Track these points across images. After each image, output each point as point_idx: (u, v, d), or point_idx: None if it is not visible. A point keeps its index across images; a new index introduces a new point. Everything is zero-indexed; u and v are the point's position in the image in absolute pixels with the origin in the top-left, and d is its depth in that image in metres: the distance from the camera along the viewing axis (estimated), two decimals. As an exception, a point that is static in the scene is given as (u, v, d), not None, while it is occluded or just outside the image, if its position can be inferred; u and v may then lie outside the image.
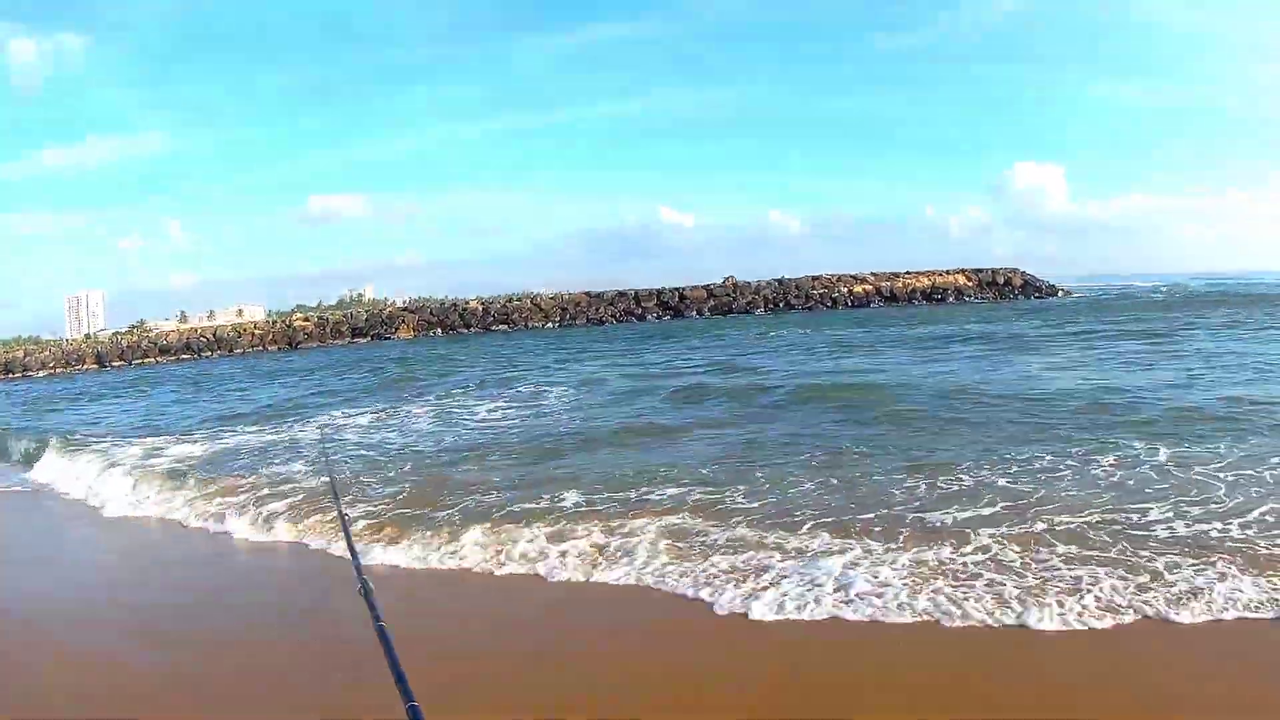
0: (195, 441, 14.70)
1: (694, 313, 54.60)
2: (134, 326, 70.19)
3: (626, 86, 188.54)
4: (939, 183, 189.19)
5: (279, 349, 60.54)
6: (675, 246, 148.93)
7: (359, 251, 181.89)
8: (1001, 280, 48.46)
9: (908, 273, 51.25)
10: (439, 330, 59.70)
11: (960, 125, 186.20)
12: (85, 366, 61.94)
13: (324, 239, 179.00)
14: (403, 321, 60.70)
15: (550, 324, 57.35)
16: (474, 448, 11.86)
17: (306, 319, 63.25)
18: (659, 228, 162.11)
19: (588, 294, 58.55)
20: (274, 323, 63.75)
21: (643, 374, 20.65)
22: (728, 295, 54.91)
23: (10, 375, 61.83)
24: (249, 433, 15.45)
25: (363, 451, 12.38)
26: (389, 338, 59.65)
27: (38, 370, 61.96)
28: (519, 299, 59.41)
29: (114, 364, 61.99)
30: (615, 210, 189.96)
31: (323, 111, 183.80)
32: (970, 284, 48.79)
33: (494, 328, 58.43)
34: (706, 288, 55.85)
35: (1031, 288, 47.62)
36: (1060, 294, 46.35)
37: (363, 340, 60.34)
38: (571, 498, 8.48)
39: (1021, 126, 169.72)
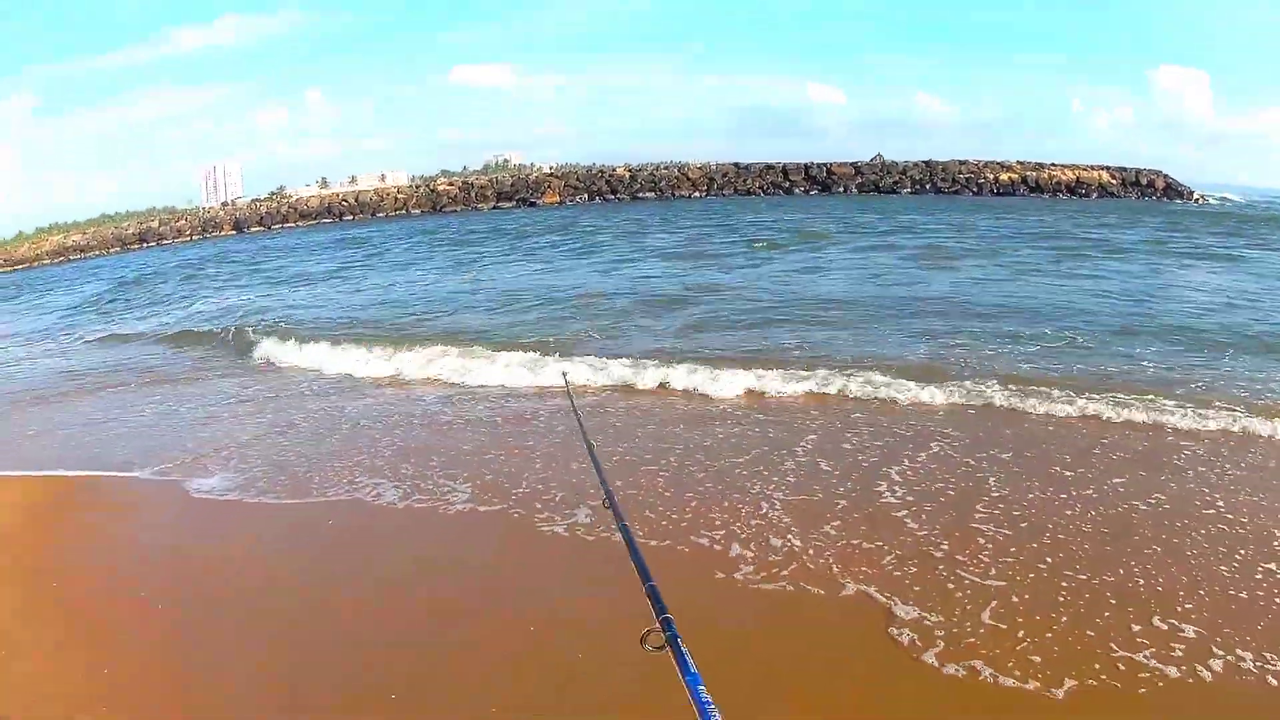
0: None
1: (841, 189, 58.47)
2: (273, 193, 68.12)
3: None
4: (1085, 80, 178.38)
5: (422, 213, 61.65)
6: (822, 126, 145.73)
7: (503, 122, 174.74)
8: (1144, 181, 53.93)
9: (1053, 164, 56.00)
10: (585, 196, 61.67)
11: (1111, 23, 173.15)
12: (224, 232, 61.48)
13: (467, 109, 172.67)
14: (549, 186, 61.99)
15: (697, 193, 60.29)
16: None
17: (451, 183, 63.29)
18: (807, 105, 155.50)
19: (736, 165, 61.00)
20: (417, 187, 63.79)
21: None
22: (875, 174, 58.66)
23: (145, 244, 61.05)
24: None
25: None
26: (535, 203, 61.27)
27: (173, 238, 61.21)
28: (667, 168, 61.40)
29: (251, 229, 61.81)
30: (762, 86, 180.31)
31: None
32: (1114, 181, 54.17)
33: (641, 195, 60.91)
34: (854, 164, 59.23)
35: (1174, 191, 53.40)
36: (1197, 200, 52.34)
37: (508, 204, 61.83)
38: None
39: (1169, 30, 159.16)
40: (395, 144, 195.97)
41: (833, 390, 8.93)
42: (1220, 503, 5.96)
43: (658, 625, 1.80)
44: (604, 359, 10.62)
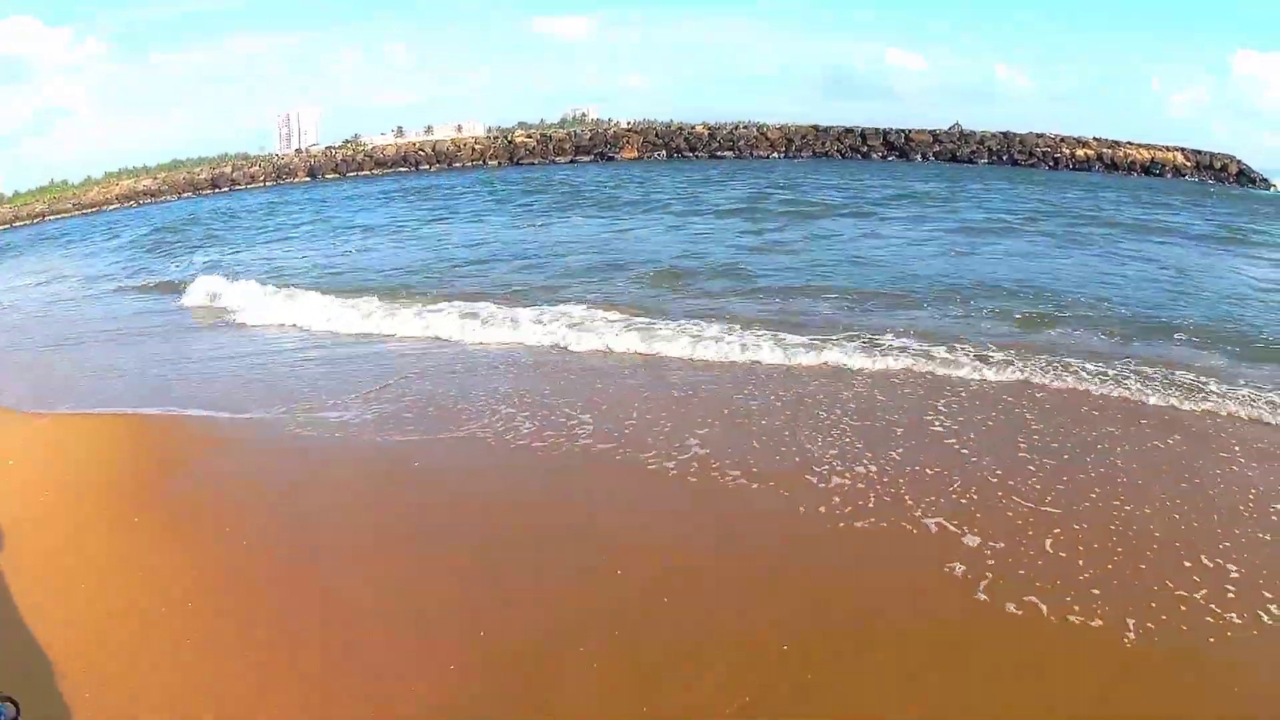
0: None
1: (919, 156, 59.37)
2: (348, 141, 67.61)
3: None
4: (1163, 61, 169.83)
5: (499, 165, 61.98)
6: (901, 91, 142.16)
7: (582, 74, 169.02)
8: (1218, 165, 55.03)
9: (1129, 143, 56.95)
10: (663, 153, 62.20)
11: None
12: (298, 179, 61.54)
13: (546, 60, 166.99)
14: (627, 142, 62.44)
15: (775, 154, 60.98)
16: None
17: (529, 135, 63.57)
18: (886, 69, 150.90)
19: (815, 127, 61.44)
20: (494, 138, 63.81)
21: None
22: (953, 143, 59.42)
23: (218, 189, 61.11)
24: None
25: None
26: (613, 158, 61.82)
27: (246, 184, 61.26)
28: (746, 126, 61.80)
29: (327, 177, 61.92)
30: (842, 48, 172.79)
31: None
32: (1188, 164, 55.23)
33: (719, 154, 61.54)
34: (933, 132, 59.87)
35: (1246, 177, 54.56)
36: (1273, 188, 53.64)
37: (585, 158, 62.33)
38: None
39: (1248, 13, 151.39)
40: (472, 94, 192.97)
41: (862, 355, 9.64)
42: (1236, 447, 6.90)
43: None
44: (657, 321, 11.31)
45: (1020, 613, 4.56)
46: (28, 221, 55.65)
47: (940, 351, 9.78)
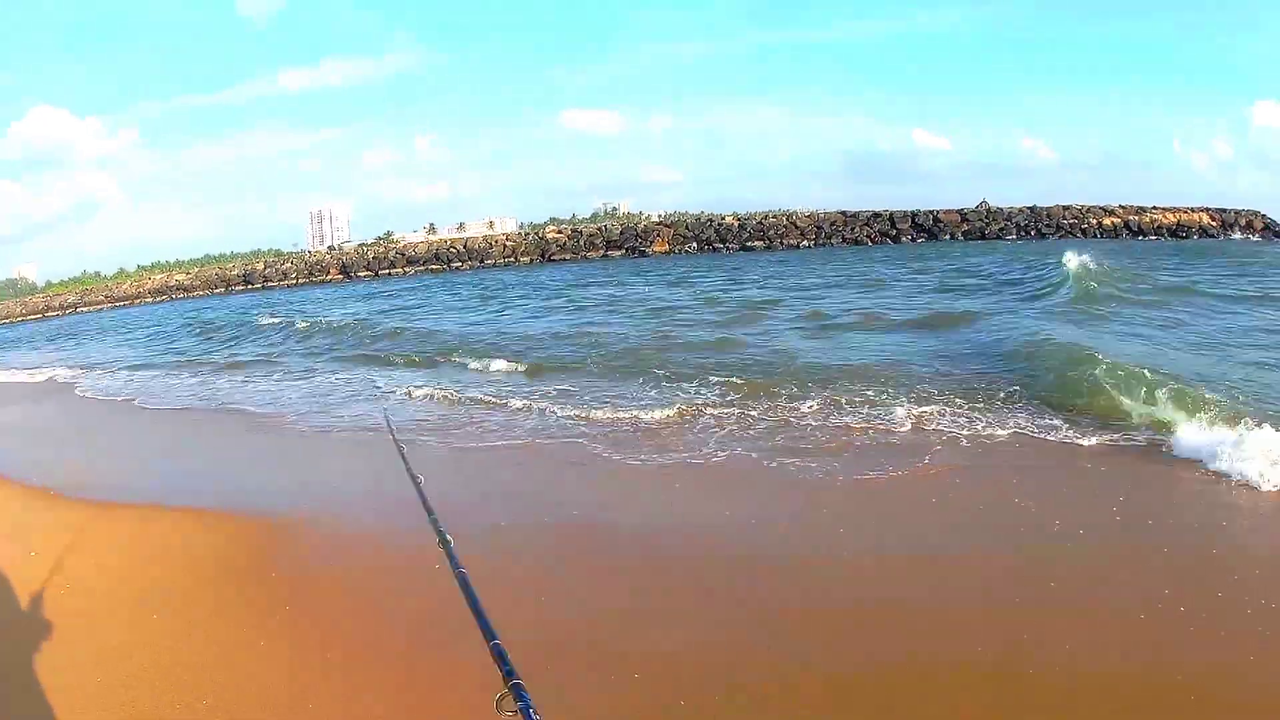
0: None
1: (947, 235, 60.13)
2: (380, 238, 67.49)
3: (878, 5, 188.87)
4: (1183, 116, 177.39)
5: (531, 261, 61.42)
6: (929, 171, 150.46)
7: (612, 167, 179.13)
8: (1244, 222, 56.84)
9: (1154, 208, 58.73)
10: (694, 245, 62.36)
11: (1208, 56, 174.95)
12: (330, 277, 60.25)
13: (576, 154, 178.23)
14: (658, 236, 62.72)
15: (806, 243, 61.43)
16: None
17: (559, 230, 63.84)
18: (913, 151, 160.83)
19: (844, 214, 62.49)
20: (526, 234, 63.83)
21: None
22: (981, 220, 60.67)
23: (250, 286, 59.46)
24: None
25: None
26: (644, 252, 61.79)
27: (279, 281, 59.75)
28: (775, 216, 62.65)
29: (360, 275, 60.76)
30: (868, 131, 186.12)
31: (572, 26, 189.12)
32: (1214, 224, 56.81)
33: (750, 244, 61.82)
34: (960, 211, 61.23)
35: (1271, 231, 56.32)
36: (1298, 239, 55.23)
37: (617, 253, 62.15)
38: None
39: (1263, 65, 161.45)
40: (504, 189, 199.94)
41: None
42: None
43: (507, 690, 1.61)
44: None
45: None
46: (59, 313, 52.76)
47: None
